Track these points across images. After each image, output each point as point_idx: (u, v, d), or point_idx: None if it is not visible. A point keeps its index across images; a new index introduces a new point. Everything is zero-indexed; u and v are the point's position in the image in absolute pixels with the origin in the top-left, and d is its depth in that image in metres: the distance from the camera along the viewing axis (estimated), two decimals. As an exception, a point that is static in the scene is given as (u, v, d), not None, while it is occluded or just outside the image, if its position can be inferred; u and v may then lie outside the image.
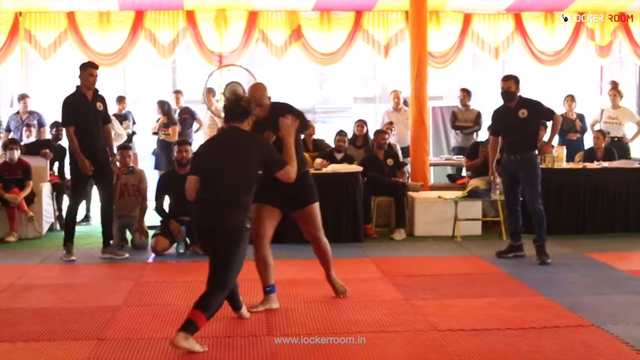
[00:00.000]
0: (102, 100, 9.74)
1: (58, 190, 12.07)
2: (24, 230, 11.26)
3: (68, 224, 9.87)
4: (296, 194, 6.88)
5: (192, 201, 6.24)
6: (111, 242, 9.86)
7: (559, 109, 14.10)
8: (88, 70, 9.54)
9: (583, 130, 14.26)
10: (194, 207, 6.34)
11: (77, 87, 9.60)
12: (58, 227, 12.04)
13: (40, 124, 13.80)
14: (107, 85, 15.07)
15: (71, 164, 9.76)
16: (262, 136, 6.43)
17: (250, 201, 6.18)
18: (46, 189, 11.70)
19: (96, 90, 9.66)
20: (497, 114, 9.81)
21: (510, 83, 9.49)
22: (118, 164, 10.31)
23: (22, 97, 14.00)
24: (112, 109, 13.87)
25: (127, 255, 9.83)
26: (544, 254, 9.31)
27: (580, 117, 14.31)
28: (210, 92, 14.11)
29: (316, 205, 7.16)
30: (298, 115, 6.85)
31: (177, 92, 14.73)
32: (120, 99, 14.31)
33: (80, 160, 9.48)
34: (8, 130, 13.67)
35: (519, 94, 9.51)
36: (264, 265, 6.98)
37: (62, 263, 9.51)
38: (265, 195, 6.74)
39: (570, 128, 13.95)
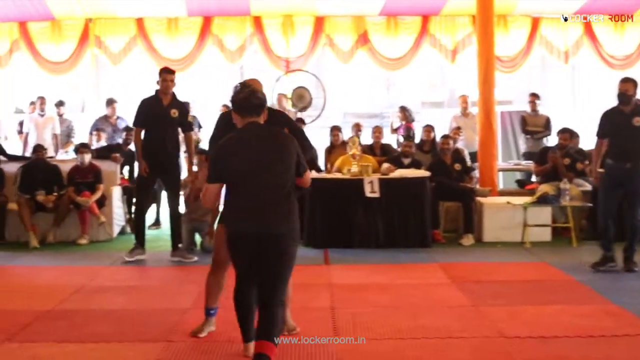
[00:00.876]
0: (180, 107, 9.80)
1: (128, 194, 12.22)
2: (95, 232, 11.43)
3: (135, 225, 10.11)
4: None
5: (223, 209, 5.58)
6: (180, 245, 9.96)
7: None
8: (162, 75, 9.69)
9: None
10: (231, 216, 5.45)
11: (156, 91, 9.74)
12: (129, 230, 12.20)
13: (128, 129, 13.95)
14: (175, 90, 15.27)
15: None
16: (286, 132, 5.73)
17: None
18: (117, 192, 11.87)
19: (175, 97, 9.77)
20: (608, 116, 9.25)
21: (628, 85, 8.98)
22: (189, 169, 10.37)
23: (111, 102, 14.15)
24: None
25: (195, 258, 9.89)
26: (632, 262, 9.07)
27: None
28: (283, 96, 14.15)
29: None
30: (296, 131, 6.35)
31: None
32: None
33: (138, 160, 9.76)
34: (92, 133, 13.76)
35: (635, 98, 9.03)
36: (218, 289, 6.35)
37: (132, 266, 9.63)
38: None
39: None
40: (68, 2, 14.86)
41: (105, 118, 14.07)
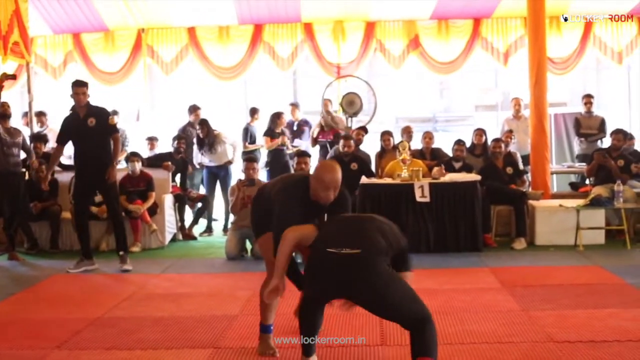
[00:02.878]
0: (96, 114, 9.76)
1: (180, 202, 12.32)
2: (147, 240, 11.52)
3: (79, 238, 10.16)
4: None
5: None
6: (121, 253, 10.00)
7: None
8: (73, 89, 9.72)
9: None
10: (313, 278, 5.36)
11: (72, 106, 9.82)
12: (180, 237, 12.32)
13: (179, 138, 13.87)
14: (230, 98, 15.38)
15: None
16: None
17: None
18: (168, 200, 11.95)
19: (91, 107, 9.79)
20: None
21: None
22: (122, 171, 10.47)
23: (194, 109, 14.08)
24: (246, 120, 14.01)
25: (129, 268, 9.89)
26: None
27: None
28: (329, 102, 14.16)
29: None
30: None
31: (294, 105, 14.82)
32: (254, 111, 14.39)
33: (45, 175, 10.19)
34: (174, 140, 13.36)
35: None
36: (275, 303, 6.15)
37: (182, 273, 9.71)
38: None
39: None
40: (121, 13, 15.09)
41: (190, 125, 14.00)
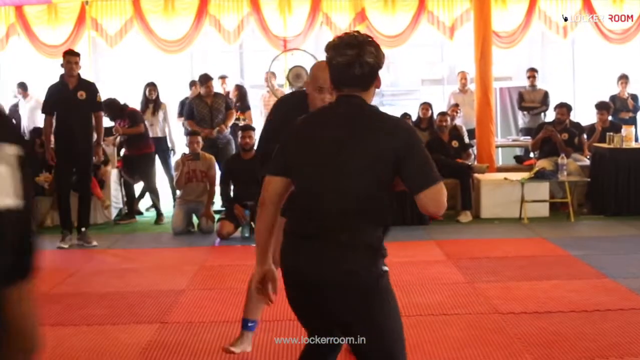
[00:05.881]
0: (86, 88, 9.65)
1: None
2: (93, 215, 11.35)
3: (60, 213, 9.99)
4: None
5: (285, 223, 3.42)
6: (83, 229, 9.86)
7: (614, 88, 13.93)
8: (66, 57, 9.53)
9: (636, 109, 13.92)
10: (285, 243, 3.38)
11: (61, 75, 9.63)
12: (126, 212, 12.20)
13: (228, 107, 12.19)
14: (176, 71, 15.22)
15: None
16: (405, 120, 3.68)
17: (381, 235, 3.28)
18: (114, 175, 11.79)
19: (80, 79, 9.69)
20: None
21: None
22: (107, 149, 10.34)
23: (206, 79, 12.06)
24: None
25: (95, 243, 9.78)
26: None
27: (633, 97, 13.99)
28: (272, 75, 14.11)
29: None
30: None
31: (223, 78, 14.62)
32: (193, 84, 14.26)
33: (46, 149, 9.81)
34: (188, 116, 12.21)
35: None
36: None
37: (127, 248, 9.69)
38: None
39: (623, 107, 13.68)
40: (64, -16, 14.85)
41: (200, 98, 12.15)
